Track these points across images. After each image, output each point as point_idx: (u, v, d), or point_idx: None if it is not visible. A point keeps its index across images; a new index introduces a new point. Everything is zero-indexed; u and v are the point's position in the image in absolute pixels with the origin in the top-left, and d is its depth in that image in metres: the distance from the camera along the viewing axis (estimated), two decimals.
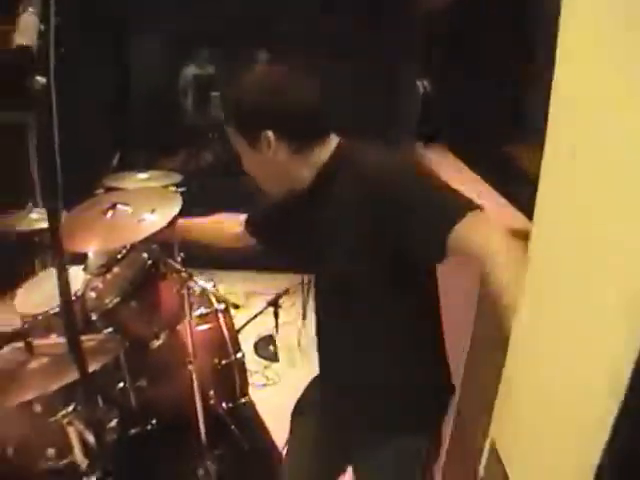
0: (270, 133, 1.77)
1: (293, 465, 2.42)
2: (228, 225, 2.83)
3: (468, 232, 1.53)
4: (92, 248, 3.07)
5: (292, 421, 2.49)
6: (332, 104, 1.96)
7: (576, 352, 0.92)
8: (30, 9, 1.07)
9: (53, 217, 1.19)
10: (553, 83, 1.00)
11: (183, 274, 2.94)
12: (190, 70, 9.76)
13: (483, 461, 1.24)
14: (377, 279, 1.79)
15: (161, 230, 2.73)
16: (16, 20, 1.05)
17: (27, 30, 1.03)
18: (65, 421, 2.39)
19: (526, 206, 1.57)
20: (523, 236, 1.23)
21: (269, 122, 1.77)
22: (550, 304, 1.02)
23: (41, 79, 1.07)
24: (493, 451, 1.17)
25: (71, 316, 1.30)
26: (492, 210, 1.66)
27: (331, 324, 2.10)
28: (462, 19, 3.64)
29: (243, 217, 2.80)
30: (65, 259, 1.28)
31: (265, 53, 9.01)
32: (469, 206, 1.58)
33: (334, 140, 1.91)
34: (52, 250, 1.23)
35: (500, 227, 1.53)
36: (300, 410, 2.46)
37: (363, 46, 5.57)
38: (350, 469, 2.23)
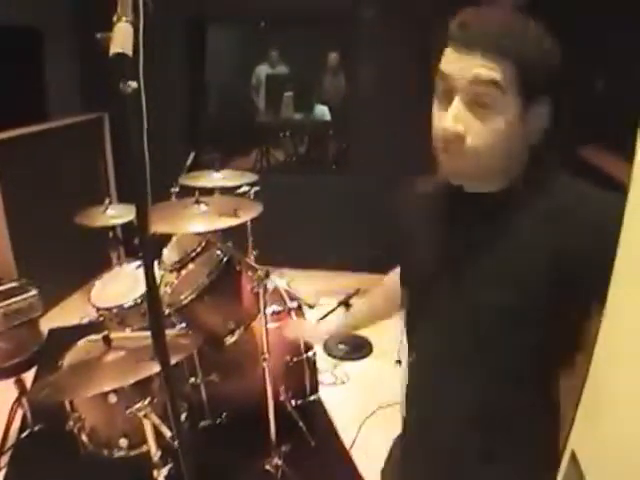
0: (547, 106, 1.39)
1: None
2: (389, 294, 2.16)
3: None
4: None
5: None
6: None
7: None
8: (124, 18, 1.11)
9: (142, 214, 1.23)
10: None
11: (259, 272, 2.98)
12: (262, 70, 9.86)
13: (562, 472, 1.22)
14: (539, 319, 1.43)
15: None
16: (113, 29, 1.09)
17: (123, 39, 1.07)
18: (141, 414, 2.44)
19: None
20: None
21: (554, 89, 1.38)
22: (635, 310, 1.00)
23: (133, 83, 1.11)
24: (573, 462, 1.16)
25: (157, 310, 1.33)
26: None
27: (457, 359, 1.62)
28: None
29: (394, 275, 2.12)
30: (152, 255, 1.31)
31: (335, 55, 9.09)
32: None
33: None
34: (140, 246, 1.25)
35: None
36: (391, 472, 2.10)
37: None
38: None
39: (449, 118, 1.36)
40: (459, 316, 1.57)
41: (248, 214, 3.03)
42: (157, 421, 2.46)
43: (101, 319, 3.51)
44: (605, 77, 3.12)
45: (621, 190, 1.04)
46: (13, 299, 3.49)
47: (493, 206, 1.50)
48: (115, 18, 1.12)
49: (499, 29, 1.33)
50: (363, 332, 5.11)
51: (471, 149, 1.37)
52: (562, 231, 1.38)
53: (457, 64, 1.35)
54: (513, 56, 1.30)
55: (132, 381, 2.37)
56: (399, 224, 1.86)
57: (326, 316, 5.08)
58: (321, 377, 4.18)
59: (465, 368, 1.60)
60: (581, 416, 1.19)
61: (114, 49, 1.06)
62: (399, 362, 4.48)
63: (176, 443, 1.60)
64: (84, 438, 2.79)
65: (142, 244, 1.24)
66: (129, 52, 1.07)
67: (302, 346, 3.63)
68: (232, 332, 3.25)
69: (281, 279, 3.78)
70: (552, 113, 1.40)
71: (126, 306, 3.39)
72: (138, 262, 3.75)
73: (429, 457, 1.77)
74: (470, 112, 1.36)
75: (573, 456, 1.16)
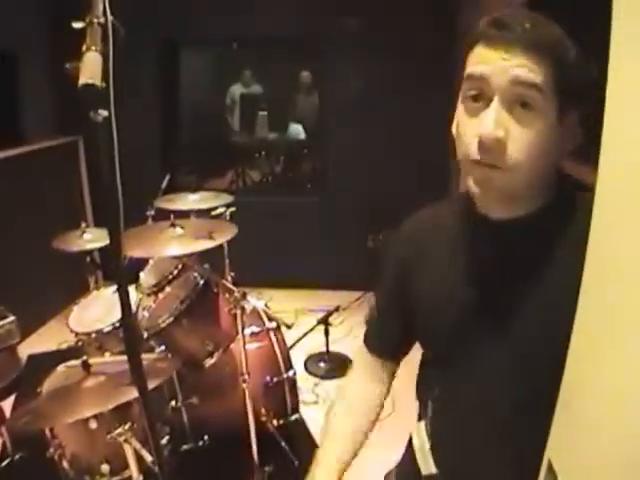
0: (578, 118, 1.32)
1: None
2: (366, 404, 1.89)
3: None
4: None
5: None
6: None
7: None
8: (93, 47, 1.12)
9: (115, 239, 1.24)
10: (607, 96, 0.99)
11: (236, 294, 2.98)
12: (236, 89, 9.89)
13: None
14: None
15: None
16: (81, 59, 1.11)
17: (91, 69, 1.08)
18: (122, 439, 2.43)
19: None
20: None
21: (583, 103, 1.30)
22: (608, 324, 1.01)
23: (103, 112, 1.12)
24: (550, 472, 1.16)
25: (133, 334, 1.34)
26: None
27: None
28: None
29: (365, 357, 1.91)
30: (125, 279, 1.32)
31: (308, 73, 9.14)
32: None
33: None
34: (114, 270, 1.26)
35: None
36: None
37: None
38: None
39: (489, 122, 1.25)
40: (502, 358, 1.41)
41: (223, 236, 3.04)
42: (138, 446, 2.45)
43: (80, 344, 3.50)
44: None
45: None
46: None
47: (527, 231, 1.39)
48: (84, 48, 1.13)
49: (540, 29, 1.26)
50: (343, 350, 5.12)
51: (512, 159, 1.26)
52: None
53: (495, 64, 1.26)
54: (553, 58, 1.23)
55: (112, 406, 2.36)
56: (413, 258, 1.65)
57: (305, 335, 5.11)
58: (302, 396, 4.17)
59: (497, 415, 1.45)
60: (558, 425, 1.19)
61: (83, 79, 1.07)
62: None
63: (157, 468, 1.60)
64: (65, 465, 2.77)
65: (115, 266, 1.24)
66: (98, 82, 1.08)
67: (282, 366, 3.63)
68: (211, 354, 3.24)
69: (259, 299, 3.78)
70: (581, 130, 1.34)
71: (105, 331, 3.38)
72: (116, 286, 3.75)
73: None
74: (510, 115, 1.26)
75: (550, 466, 1.17)
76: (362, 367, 1.92)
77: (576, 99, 1.28)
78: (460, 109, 1.35)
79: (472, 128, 1.29)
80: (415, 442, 1.70)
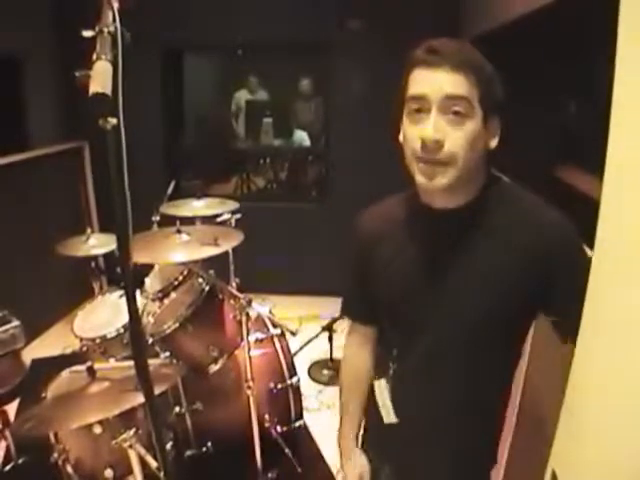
0: (499, 121, 1.66)
1: None
2: (358, 365, 2.23)
3: None
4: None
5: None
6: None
7: None
8: (103, 56, 1.13)
9: (123, 245, 1.25)
10: (613, 103, 1.00)
11: (241, 300, 2.99)
12: (242, 96, 9.89)
13: None
14: (504, 332, 1.73)
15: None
16: (92, 68, 1.11)
17: (102, 78, 1.09)
18: (126, 444, 2.43)
19: (582, 228, 1.55)
20: None
21: (501, 109, 1.65)
22: (611, 332, 1.01)
23: (112, 120, 1.13)
24: None
25: (140, 341, 1.34)
26: None
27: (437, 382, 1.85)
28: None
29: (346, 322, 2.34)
30: (133, 285, 1.33)
31: (312, 80, 9.14)
32: None
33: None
34: (123, 276, 1.27)
35: None
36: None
37: None
38: None
39: (430, 128, 1.55)
40: (444, 322, 1.76)
41: (229, 243, 3.05)
42: (142, 451, 2.46)
43: (84, 349, 3.50)
44: (576, 99, 3.18)
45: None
46: None
47: (464, 218, 1.71)
48: (94, 56, 1.14)
49: (463, 50, 1.58)
50: None
51: (449, 153, 1.57)
52: (526, 232, 1.63)
53: (430, 83, 1.56)
54: (476, 76, 1.54)
55: (117, 412, 2.36)
56: (369, 245, 1.97)
57: (309, 342, 5.11)
58: (306, 403, 4.17)
59: (450, 367, 1.79)
60: (562, 435, 1.19)
61: (94, 88, 1.08)
62: None
63: (162, 474, 1.60)
64: (69, 470, 2.77)
65: (124, 274, 1.25)
66: (109, 91, 1.09)
67: (286, 372, 3.63)
68: (216, 360, 3.25)
69: (264, 306, 3.78)
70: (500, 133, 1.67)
71: (109, 336, 3.39)
72: (120, 291, 3.75)
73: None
74: (445, 122, 1.56)
75: (554, 476, 1.17)
76: (349, 338, 2.30)
77: (496, 108, 1.62)
78: (405, 121, 1.66)
79: (416, 133, 1.59)
80: (378, 396, 2.01)
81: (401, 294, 1.86)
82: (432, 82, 1.56)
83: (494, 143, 1.66)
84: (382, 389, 1.99)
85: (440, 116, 1.56)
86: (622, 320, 0.97)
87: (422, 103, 1.58)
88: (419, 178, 1.65)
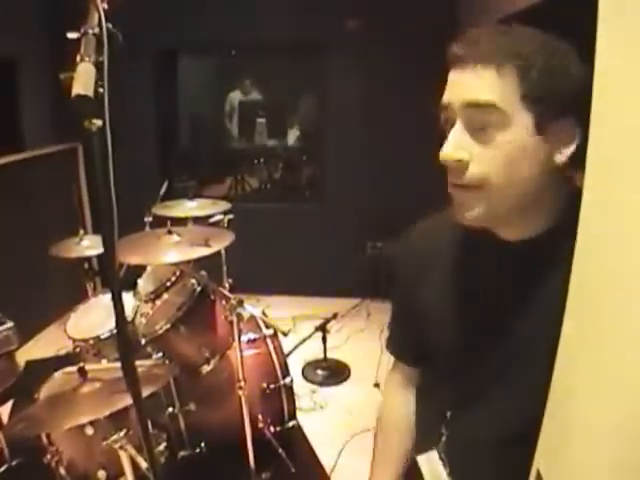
0: (574, 122, 1.21)
1: None
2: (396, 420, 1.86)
3: None
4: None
5: None
6: None
7: (630, 376, 0.90)
8: (87, 58, 1.13)
9: (109, 244, 1.25)
10: (593, 101, 0.99)
11: (232, 301, 3.00)
12: (235, 96, 9.90)
13: None
14: None
15: None
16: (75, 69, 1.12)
17: (84, 80, 1.09)
18: (118, 445, 2.43)
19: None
20: None
21: (575, 108, 1.17)
22: (596, 330, 1.01)
23: (97, 122, 1.13)
24: None
25: (126, 341, 1.35)
26: None
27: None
28: None
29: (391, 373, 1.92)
30: (120, 286, 1.33)
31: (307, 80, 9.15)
32: None
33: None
34: (108, 277, 1.27)
35: None
36: None
37: None
38: None
39: (447, 145, 1.25)
40: (510, 376, 1.39)
41: (220, 243, 3.06)
42: (133, 452, 2.46)
43: (77, 350, 3.50)
44: None
45: None
46: None
47: (535, 251, 1.35)
48: (78, 58, 1.14)
49: (492, 35, 1.24)
50: (341, 357, 5.13)
51: (476, 176, 1.24)
52: None
53: (452, 89, 1.27)
54: (517, 69, 1.18)
55: (108, 413, 2.36)
56: (417, 269, 1.61)
57: (303, 342, 5.11)
58: (299, 403, 4.18)
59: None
60: (546, 435, 1.18)
61: (76, 90, 1.08)
62: (377, 385, 4.49)
63: (151, 476, 1.61)
64: (62, 471, 2.77)
65: (110, 277, 1.25)
66: (90, 93, 1.09)
67: (279, 373, 3.63)
68: (208, 361, 3.24)
69: (257, 306, 3.79)
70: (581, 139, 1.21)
71: (102, 337, 3.38)
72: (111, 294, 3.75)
73: None
74: (472, 137, 1.24)
75: (538, 475, 1.17)
76: (390, 376, 1.90)
77: (561, 105, 1.20)
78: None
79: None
80: (426, 475, 1.57)
81: (451, 333, 1.51)
82: (455, 86, 1.27)
83: (562, 157, 1.24)
84: (433, 464, 1.55)
85: (464, 129, 1.25)
86: (604, 321, 0.97)
87: (447, 113, 1.29)
88: (453, 208, 1.35)
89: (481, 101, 1.20)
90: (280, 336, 3.70)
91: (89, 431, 2.61)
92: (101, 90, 1.14)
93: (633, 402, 0.89)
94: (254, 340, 3.67)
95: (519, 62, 1.18)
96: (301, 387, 4.66)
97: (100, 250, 3.33)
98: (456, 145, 1.24)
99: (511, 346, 1.37)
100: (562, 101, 1.19)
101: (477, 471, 1.49)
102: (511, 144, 1.21)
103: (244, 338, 3.40)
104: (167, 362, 3.06)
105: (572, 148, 1.22)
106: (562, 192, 1.31)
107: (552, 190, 1.29)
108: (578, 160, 1.17)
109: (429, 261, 1.56)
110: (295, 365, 4.71)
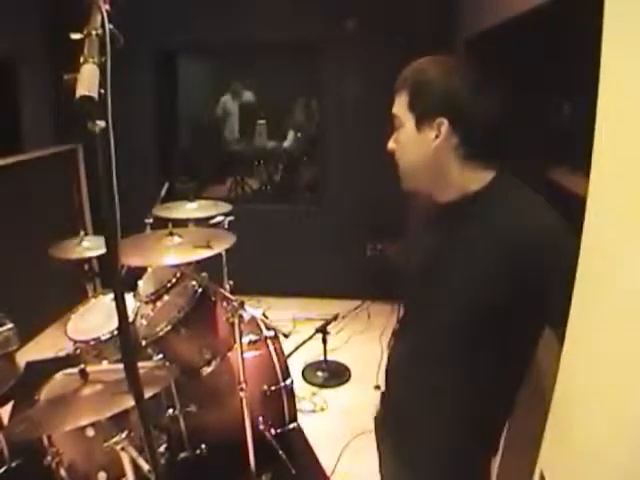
0: (445, 121, 1.73)
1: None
2: None
3: None
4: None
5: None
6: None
7: (630, 382, 0.90)
8: (90, 59, 1.13)
9: (111, 246, 1.24)
10: (598, 107, 1.00)
11: (234, 302, 2.99)
12: (227, 100, 9.90)
13: None
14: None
15: None
16: (79, 71, 1.11)
17: (89, 81, 1.09)
18: (119, 447, 2.43)
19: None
20: None
21: (447, 110, 1.74)
22: (599, 334, 1.01)
23: (101, 123, 1.13)
24: None
25: (129, 342, 1.34)
26: None
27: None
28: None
29: None
30: (122, 287, 1.33)
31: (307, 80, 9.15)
32: None
33: (490, 174, 1.82)
34: (110, 278, 1.26)
35: None
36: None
37: None
38: None
39: (390, 141, 1.90)
40: (430, 308, 1.91)
41: (221, 245, 3.06)
42: (135, 454, 2.45)
43: (78, 352, 3.50)
44: (570, 101, 3.19)
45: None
46: None
47: (455, 211, 1.86)
48: (82, 59, 1.14)
49: (410, 70, 1.85)
50: (341, 358, 5.12)
51: (398, 160, 1.90)
52: (511, 234, 1.67)
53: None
54: (408, 89, 1.80)
55: (109, 414, 2.36)
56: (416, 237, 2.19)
57: (303, 344, 5.11)
58: (300, 405, 4.18)
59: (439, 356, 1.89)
60: (551, 437, 1.19)
61: (80, 92, 1.08)
62: (378, 387, 4.48)
63: (153, 478, 1.60)
64: (62, 473, 2.76)
65: (112, 278, 1.25)
66: (95, 94, 1.09)
67: (279, 374, 3.63)
68: (209, 363, 3.24)
69: (258, 308, 3.78)
70: (463, 133, 1.77)
71: (103, 338, 3.38)
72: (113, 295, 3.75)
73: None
74: (396, 135, 1.89)
75: (542, 477, 1.17)
76: None
77: (430, 109, 1.75)
78: None
79: None
80: None
81: (410, 278, 2.08)
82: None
83: (435, 143, 1.78)
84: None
85: (395, 130, 1.89)
86: (609, 322, 0.97)
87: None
88: None
89: (393, 113, 1.86)
90: (280, 338, 3.70)
91: (90, 433, 2.61)
92: (102, 91, 1.14)
93: (631, 409, 0.89)
94: (255, 342, 3.67)
95: (406, 86, 1.81)
96: (301, 389, 4.65)
97: (100, 251, 3.33)
98: (391, 140, 1.90)
99: (433, 280, 1.90)
100: (430, 106, 1.76)
101: (396, 381, 2.10)
102: (405, 138, 1.84)
103: (245, 340, 3.40)
104: (168, 364, 3.05)
105: (442, 138, 1.76)
106: (470, 176, 1.82)
107: (447, 166, 1.81)
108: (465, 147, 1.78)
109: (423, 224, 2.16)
110: (295, 367, 4.70)
